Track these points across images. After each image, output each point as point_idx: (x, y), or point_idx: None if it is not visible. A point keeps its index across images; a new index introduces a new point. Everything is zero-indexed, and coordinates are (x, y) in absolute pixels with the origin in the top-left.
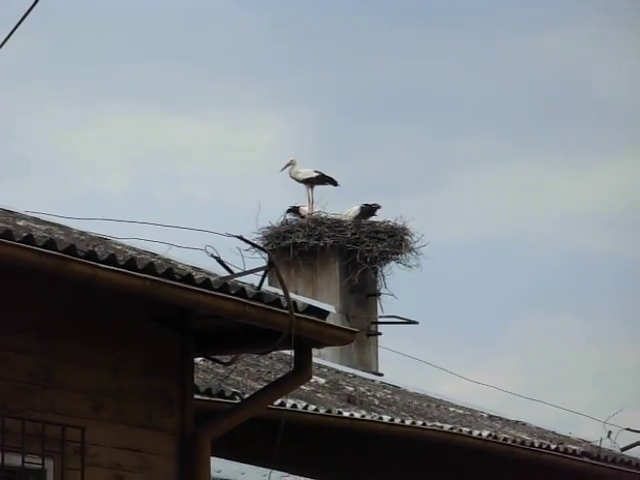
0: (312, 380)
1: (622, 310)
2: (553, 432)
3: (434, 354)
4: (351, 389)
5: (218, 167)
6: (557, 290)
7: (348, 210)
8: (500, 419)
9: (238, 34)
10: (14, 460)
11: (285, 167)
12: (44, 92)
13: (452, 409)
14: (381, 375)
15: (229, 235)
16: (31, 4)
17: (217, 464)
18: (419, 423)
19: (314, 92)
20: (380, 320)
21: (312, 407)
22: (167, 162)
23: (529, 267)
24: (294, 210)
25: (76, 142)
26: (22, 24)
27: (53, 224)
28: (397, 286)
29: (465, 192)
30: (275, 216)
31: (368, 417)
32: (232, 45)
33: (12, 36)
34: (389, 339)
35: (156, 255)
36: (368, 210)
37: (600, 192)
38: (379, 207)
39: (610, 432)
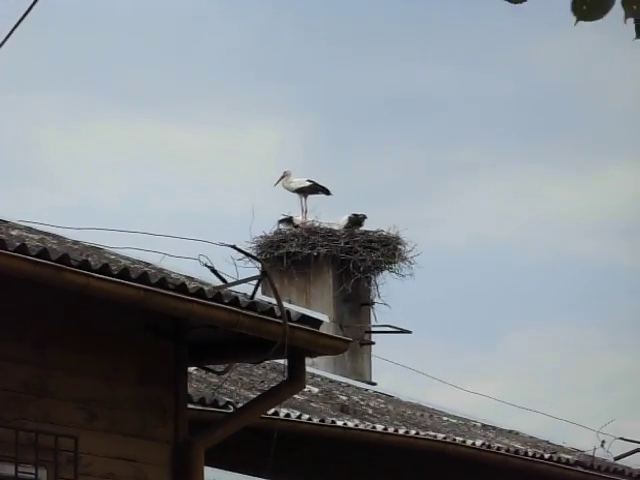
0: (306, 389)
1: (621, 319)
2: (547, 441)
3: (427, 363)
4: (345, 398)
5: (213, 176)
6: (552, 299)
7: (338, 219)
8: (494, 428)
9: (235, 42)
10: (7, 470)
11: (279, 180)
12: (39, 98)
13: (445, 418)
14: (374, 384)
15: (222, 244)
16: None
17: (211, 474)
18: (412, 432)
19: (311, 100)
20: (374, 329)
21: (306, 416)
22: (163, 170)
23: (525, 276)
24: (287, 220)
25: (71, 149)
26: (19, 29)
27: (46, 233)
28: (391, 295)
29: (462, 199)
30: (269, 225)
31: (361, 426)
32: (229, 53)
33: (9, 41)
34: (383, 348)
35: (150, 264)
36: (356, 220)
37: (601, 199)
38: (365, 217)
39: (603, 441)
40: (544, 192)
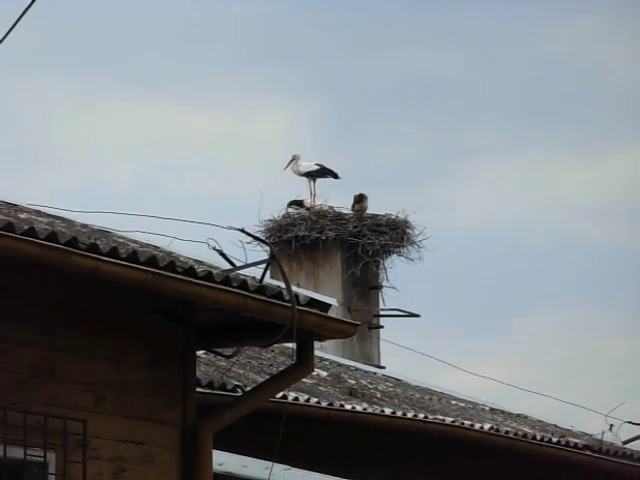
0: (314, 373)
1: (629, 302)
2: (555, 425)
3: (436, 347)
4: (353, 382)
5: (222, 159)
6: (560, 283)
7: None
8: (502, 412)
9: (245, 25)
10: (16, 453)
11: (289, 164)
12: (47, 83)
13: (454, 402)
14: (383, 368)
15: (231, 228)
16: None
17: (219, 457)
18: (421, 416)
19: (321, 83)
20: (382, 313)
21: (314, 400)
22: (172, 154)
23: (535, 258)
24: (296, 203)
25: (80, 133)
26: (29, 11)
27: (55, 217)
28: (399, 279)
29: (470, 183)
30: (278, 209)
31: (370, 410)
32: (238, 36)
33: (19, 24)
34: (391, 332)
35: (158, 248)
36: (358, 199)
37: (613, 182)
38: (363, 196)
39: (612, 425)
40: (551, 175)
